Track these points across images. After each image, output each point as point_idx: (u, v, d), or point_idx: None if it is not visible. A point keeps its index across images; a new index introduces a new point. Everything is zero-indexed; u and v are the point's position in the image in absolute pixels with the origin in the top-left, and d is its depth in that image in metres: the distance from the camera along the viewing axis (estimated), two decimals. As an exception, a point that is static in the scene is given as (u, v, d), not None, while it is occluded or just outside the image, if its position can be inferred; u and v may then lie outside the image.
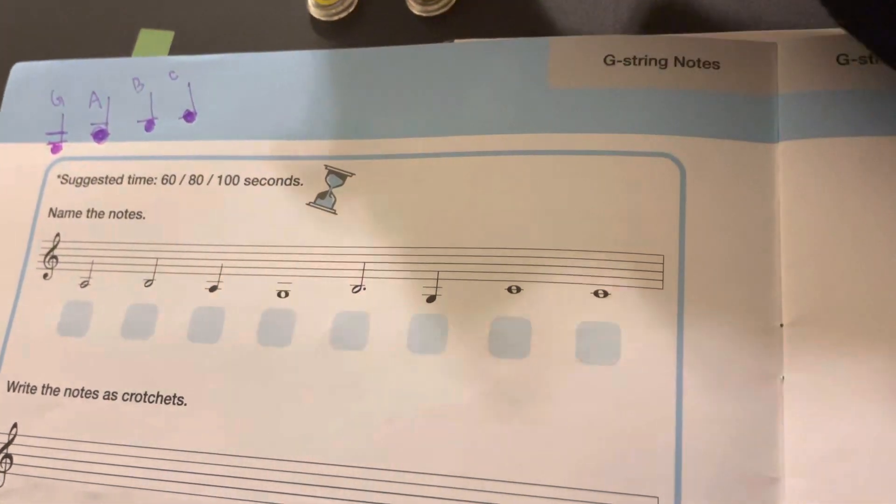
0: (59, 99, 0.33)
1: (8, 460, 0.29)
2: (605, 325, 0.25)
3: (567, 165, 0.27)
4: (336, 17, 0.33)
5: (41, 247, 0.31)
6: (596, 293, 0.25)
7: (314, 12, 0.33)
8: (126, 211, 0.31)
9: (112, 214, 0.31)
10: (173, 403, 0.28)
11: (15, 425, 0.29)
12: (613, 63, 0.28)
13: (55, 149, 0.33)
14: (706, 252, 0.24)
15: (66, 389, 0.29)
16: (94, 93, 0.33)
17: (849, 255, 0.23)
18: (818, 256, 0.23)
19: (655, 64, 0.27)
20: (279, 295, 0.28)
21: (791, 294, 0.23)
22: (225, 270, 0.29)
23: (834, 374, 0.22)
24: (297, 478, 0.26)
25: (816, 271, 0.23)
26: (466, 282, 0.27)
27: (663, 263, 0.25)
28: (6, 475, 0.29)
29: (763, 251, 0.24)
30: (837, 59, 0.26)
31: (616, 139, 0.26)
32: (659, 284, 0.25)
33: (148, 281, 0.30)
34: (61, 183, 0.32)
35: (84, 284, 0.30)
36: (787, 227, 0.24)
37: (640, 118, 0.26)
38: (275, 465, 0.26)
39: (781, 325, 0.23)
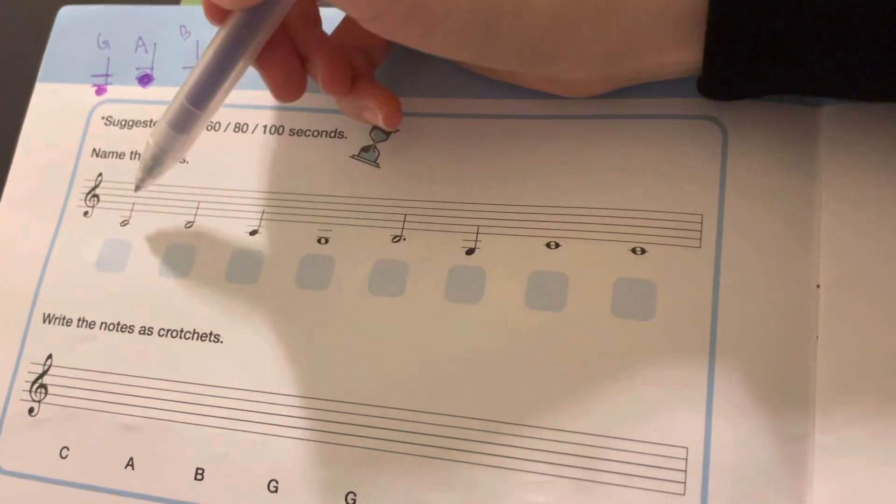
0: (106, 43, 0.34)
1: (42, 390, 0.29)
2: (641, 282, 0.25)
3: (609, 129, 0.27)
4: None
5: (83, 185, 0.32)
6: (633, 250, 0.26)
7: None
8: (170, 154, 0.31)
9: (155, 157, 0.31)
10: (209, 340, 0.28)
11: (50, 356, 0.30)
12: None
13: (100, 91, 0.33)
14: (745, 212, 0.25)
15: (102, 323, 0.29)
16: (140, 38, 0.33)
17: (890, 218, 0.24)
18: (859, 219, 0.24)
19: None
20: (319, 241, 0.29)
21: (830, 255, 0.24)
22: (266, 216, 0.29)
23: (869, 334, 0.23)
24: (329, 416, 0.26)
25: (857, 233, 0.24)
26: (506, 237, 0.27)
27: (702, 223, 0.25)
28: (41, 405, 0.29)
29: (803, 212, 0.25)
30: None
31: (658, 103, 0.27)
32: (696, 243, 0.25)
33: (188, 223, 0.30)
34: (105, 124, 0.32)
35: (124, 223, 0.31)
36: (828, 189, 0.24)
37: (683, 81, 0.27)
38: (307, 402, 0.27)
39: (818, 286, 0.24)
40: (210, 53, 0.25)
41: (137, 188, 0.29)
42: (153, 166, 0.28)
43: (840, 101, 0.25)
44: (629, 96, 0.27)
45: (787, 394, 0.23)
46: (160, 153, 0.27)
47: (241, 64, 0.25)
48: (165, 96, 0.32)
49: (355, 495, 0.25)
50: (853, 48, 0.21)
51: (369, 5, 0.22)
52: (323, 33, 0.27)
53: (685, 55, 0.23)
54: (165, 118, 0.26)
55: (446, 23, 0.22)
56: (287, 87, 0.26)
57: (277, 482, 0.26)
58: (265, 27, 0.25)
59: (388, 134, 0.30)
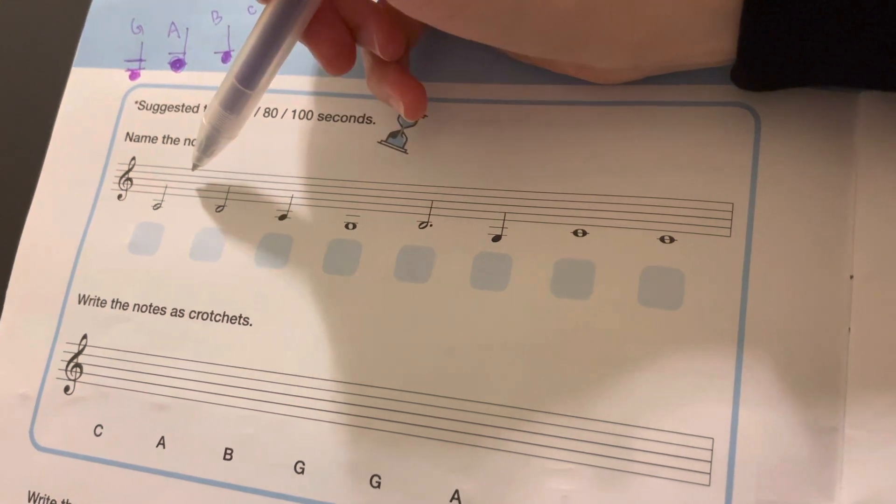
0: (139, 28, 0.34)
1: (78, 369, 0.30)
2: (669, 271, 0.25)
3: (639, 115, 0.27)
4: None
5: (117, 169, 0.32)
6: (662, 239, 0.25)
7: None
8: (201, 138, 0.32)
9: (187, 141, 0.32)
10: (239, 323, 0.29)
11: (85, 336, 0.30)
12: (693, 14, 0.28)
13: (133, 75, 0.34)
14: (777, 201, 0.25)
15: (135, 304, 0.30)
16: (173, 23, 0.34)
17: (926, 210, 0.23)
18: (895, 210, 0.23)
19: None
20: (347, 227, 0.29)
21: (864, 246, 0.23)
22: (295, 201, 0.30)
23: (902, 327, 0.22)
24: (355, 399, 0.27)
25: (893, 224, 0.23)
26: (532, 224, 0.27)
27: (732, 212, 0.25)
28: (76, 383, 0.30)
29: (837, 202, 0.24)
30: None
31: (690, 89, 0.27)
32: (727, 232, 0.25)
33: (219, 207, 0.30)
34: (138, 109, 0.33)
35: (157, 207, 0.31)
36: (864, 178, 0.24)
37: (716, 68, 0.26)
38: (334, 386, 0.27)
39: (851, 277, 0.23)
40: (257, 32, 0.25)
41: (195, 167, 0.30)
42: (208, 145, 0.29)
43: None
44: (659, 83, 0.27)
45: (817, 386, 0.23)
46: (214, 133, 0.28)
47: (288, 41, 0.25)
48: (197, 81, 0.33)
49: (380, 478, 0.26)
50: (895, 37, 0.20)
51: None
52: None
53: (718, 45, 0.23)
54: (217, 98, 0.27)
55: (472, 6, 0.22)
56: (338, 60, 0.27)
57: (304, 463, 0.27)
58: (311, 2, 0.25)
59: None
